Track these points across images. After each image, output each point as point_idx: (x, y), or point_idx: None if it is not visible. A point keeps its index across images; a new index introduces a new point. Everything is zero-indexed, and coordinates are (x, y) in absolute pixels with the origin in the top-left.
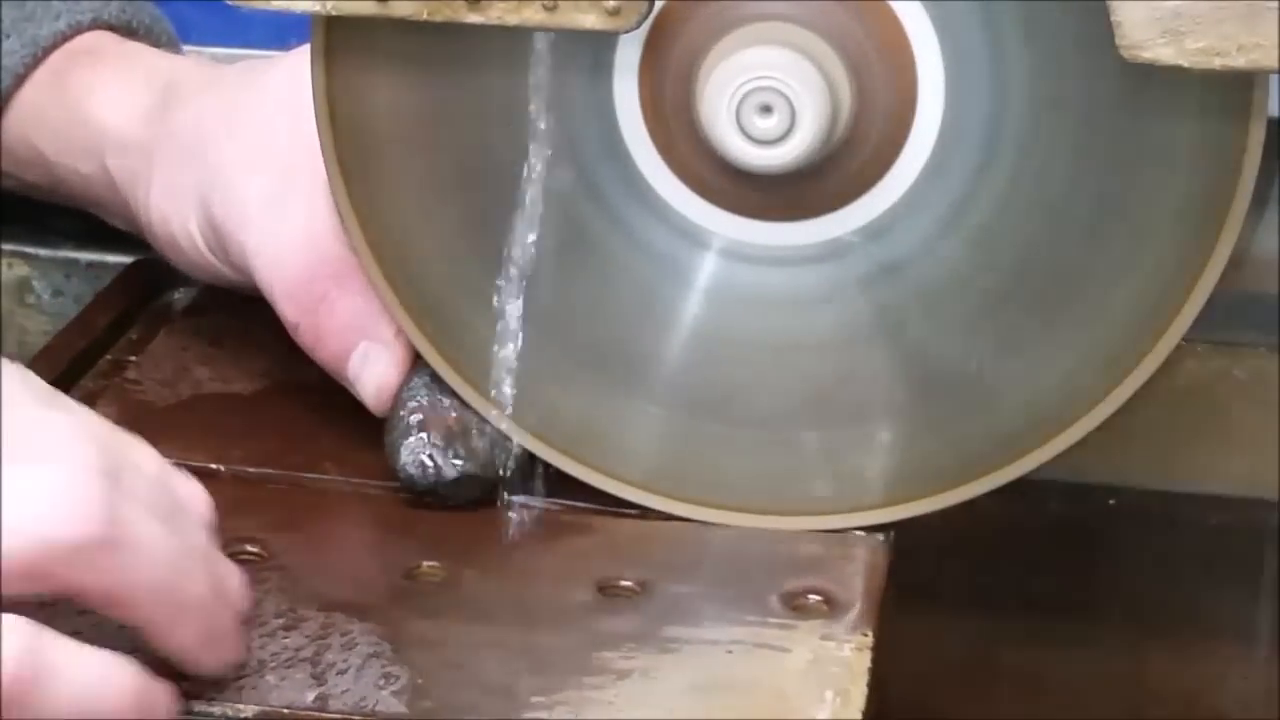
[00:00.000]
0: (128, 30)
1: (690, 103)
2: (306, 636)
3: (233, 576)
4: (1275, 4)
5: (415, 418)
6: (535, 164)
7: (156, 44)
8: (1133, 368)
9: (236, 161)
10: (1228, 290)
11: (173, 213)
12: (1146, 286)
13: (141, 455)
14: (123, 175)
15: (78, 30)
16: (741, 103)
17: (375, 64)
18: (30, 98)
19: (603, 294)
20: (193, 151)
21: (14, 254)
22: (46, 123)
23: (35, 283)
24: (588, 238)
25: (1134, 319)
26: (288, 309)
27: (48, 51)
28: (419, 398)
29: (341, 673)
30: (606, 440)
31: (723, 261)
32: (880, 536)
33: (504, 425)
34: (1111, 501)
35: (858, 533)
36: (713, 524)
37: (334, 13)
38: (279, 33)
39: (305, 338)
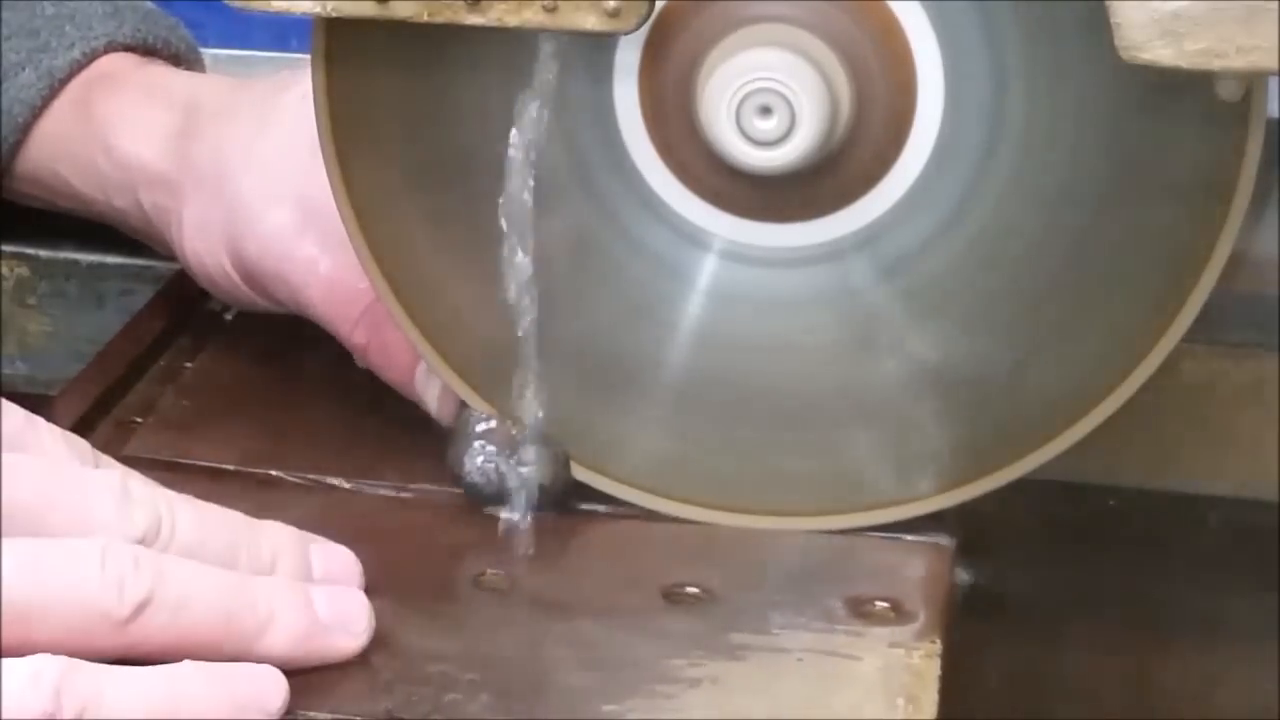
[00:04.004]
0: (145, 49)
1: (690, 104)
2: (375, 643)
3: (335, 561)
4: (1274, 5)
5: (479, 427)
6: (536, 165)
7: (175, 56)
8: (1132, 368)
9: (257, 196)
10: (1228, 290)
11: (204, 250)
12: (1146, 287)
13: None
14: (155, 210)
15: (93, 56)
16: (741, 104)
17: (376, 66)
18: (54, 130)
19: (603, 296)
20: (214, 187)
21: (15, 255)
22: (73, 157)
23: (36, 283)
24: (588, 239)
25: (1133, 319)
26: (354, 334)
27: (64, 82)
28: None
29: (411, 680)
30: (607, 442)
31: (723, 263)
32: (944, 542)
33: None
34: (1111, 501)
35: (920, 538)
36: (774, 530)
37: (334, 14)
38: (280, 34)
39: (374, 358)
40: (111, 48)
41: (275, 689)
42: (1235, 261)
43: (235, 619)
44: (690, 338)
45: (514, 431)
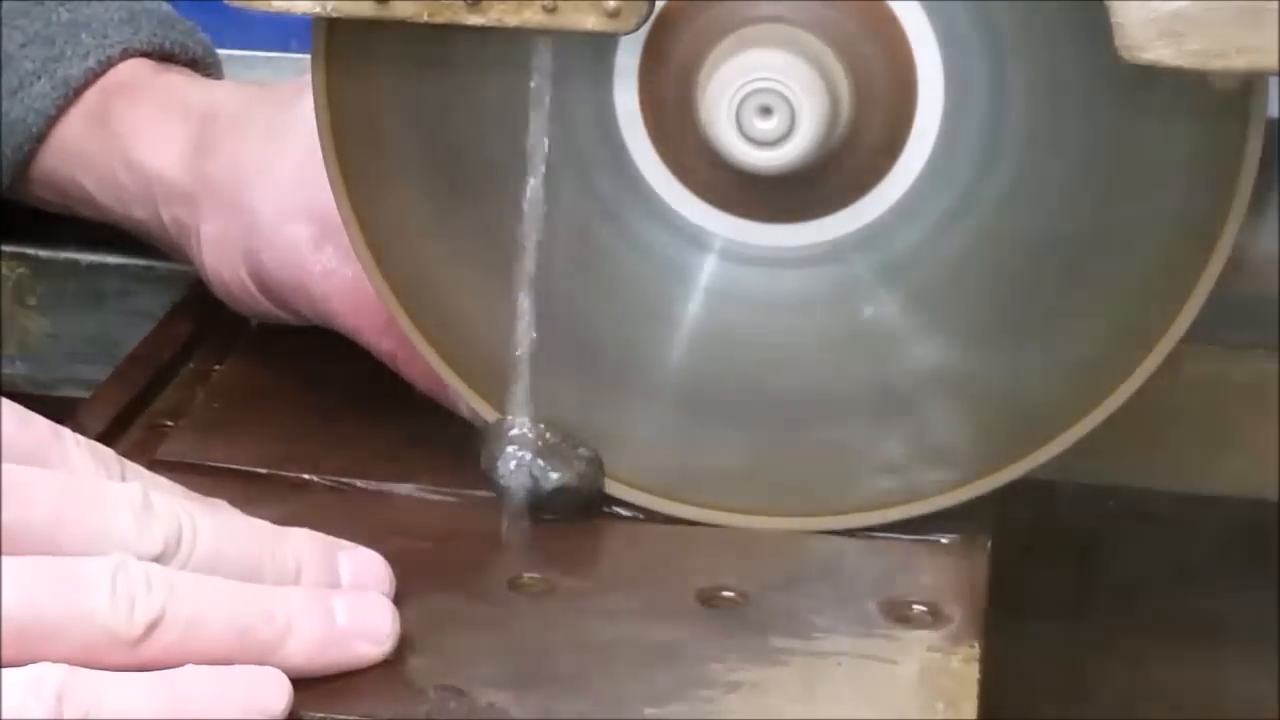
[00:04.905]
0: (162, 54)
1: (690, 104)
2: (411, 647)
3: (366, 567)
4: (1274, 5)
5: (512, 431)
6: (536, 166)
7: (193, 61)
8: (1132, 368)
9: (273, 210)
10: (1228, 290)
11: (223, 264)
12: (1146, 287)
13: (201, 515)
14: (174, 224)
15: (109, 65)
16: (741, 104)
17: (376, 66)
18: (72, 139)
19: (603, 296)
20: (230, 203)
21: (15, 255)
22: (93, 168)
23: (36, 283)
24: (588, 239)
25: (1133, 319)
26: (382, 344)
27: (79, 91)
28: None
29: (449, 684)
30: (607, 442)
31: (723, 263)
32: (980, 544)
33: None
34: (1111, 502)
35: (953, 540)
36: (805, 532)
37: (334, 14)
38: (281, 34)
39: (405, 367)
40: (127, 55)
41: (278, 691)
42: (1235, 261)
43: (250, 633)
44: (691, 338)
45: (547, 435)
